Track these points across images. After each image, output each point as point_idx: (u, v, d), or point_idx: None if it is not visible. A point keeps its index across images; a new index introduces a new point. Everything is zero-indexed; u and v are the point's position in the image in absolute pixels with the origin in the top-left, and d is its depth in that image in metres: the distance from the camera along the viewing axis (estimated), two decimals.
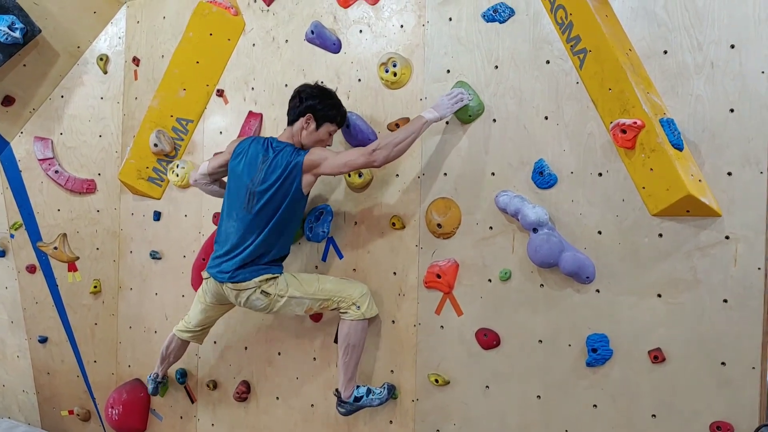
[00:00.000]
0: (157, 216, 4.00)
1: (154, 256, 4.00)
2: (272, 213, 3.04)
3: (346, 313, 3.16)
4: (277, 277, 3.11)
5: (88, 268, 4.24)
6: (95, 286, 4.21)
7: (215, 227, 3.73)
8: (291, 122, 3.15)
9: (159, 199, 3.99)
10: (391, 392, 3.22)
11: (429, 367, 3.17)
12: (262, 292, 3.07)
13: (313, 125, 3.09)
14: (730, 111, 2.56)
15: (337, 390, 3.20)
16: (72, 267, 4.26)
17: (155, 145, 3.83)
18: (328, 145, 3.17)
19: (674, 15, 2.65)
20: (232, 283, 3.07)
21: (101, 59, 4.18)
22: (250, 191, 3.06)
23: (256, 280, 3.05)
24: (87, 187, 4.22)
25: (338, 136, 3.34)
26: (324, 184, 3.41)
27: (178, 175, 3.83)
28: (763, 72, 2.52)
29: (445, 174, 3.13)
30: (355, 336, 3.14)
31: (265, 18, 3.62)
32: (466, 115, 3.05)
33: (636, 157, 2.64)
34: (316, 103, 3.08)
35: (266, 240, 3.05)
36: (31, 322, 4.39)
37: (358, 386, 3.18)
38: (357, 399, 3.16)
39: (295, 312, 3.16)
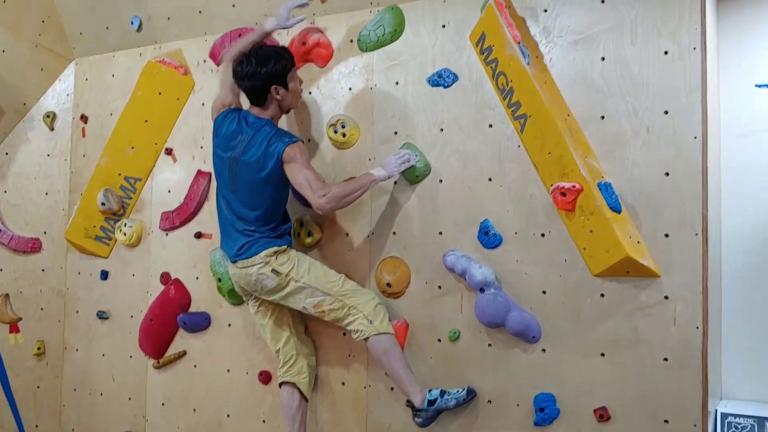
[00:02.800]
0: (105, 275, 3.93)
1: (101, 316, 3.92)
2: (258, 187, 2.96)
3: (357, 332, 2.94)
4: (287, 251, 2.99)
5: (32, 329, 4.12)
6: (39, 348, 4.09)
7: (163, 287, 3.68)
8: (259, 103, 3.04)
9: (106, 258, 3.92)
10: (471, 394, 2.90)
11: (380, 430, 3.14)
12: (273, 270, 2.93)
13: (282, 90, 3.01)
14: (665, 175, 2.66)
15: (408, 401, 2.95)
16: (14, 328, 4.13)
17: (103, 203, 3.79)
18: (301, 83, 3.15)
19: (611, 82, 2.76)
20: (241, 260, 2.97)
21: (48, 116, 4.14)
22: (231, 169, 3.00)
23: (262, 254, 2.93)
24: (32, 246, 4.12)
25: None
26: None
27: (125, 234, 3.79)
28: (695, 137, 2.62)
29: (395, 233, 3.16)
30: (380, 346, 2.91)
31: (215, 77, 3.63)
32: (413, 176, 3.10)
33: (576, 219, 2.71)
34: (269, 70, 2.96)
35: (263, 213, 2.97)
36: None
37: (430, 390, 2.92)
38: (431, 402, 2.87)
39: (303, 304, 2.97)
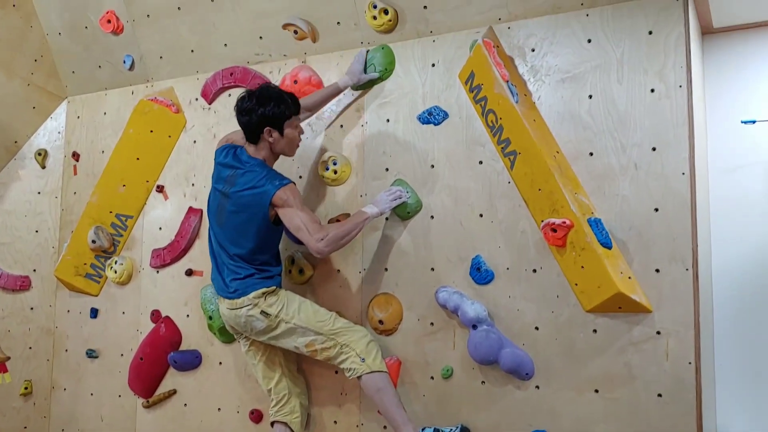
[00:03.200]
0: (94, 313, 3.90)
1: (91, 354, 3.88)
2: (243, 226, 2.92)
3: (350, 370, 2.90)
4: (276, 292, 2.94)
5: (20, 368, 4.06)
6: (26, 388, 4.03)
7: (153, 325, 3.65)
8: (253, 141, 3.00)
9: (96, 295, 3.89)
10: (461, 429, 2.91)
11: None
12: (262, 312, 2.89)
13: (276, 133, 2.95)
14: (654, 210, 2.68)
15: None
16: (2, 368, 4.08)
17: (93, 241, 3.77)
18: (301, 133, 3.07)
19: (598, 119, 2.79)
20: (228, 300, 2.94)
21: (39, 154, 4.14)
22: (220, 204, 2.99)
23: (251, 296, 2.89)
24: (21, 284, 4.09)
25: None
26: None
27: (116, 272, 3.77)
28: (683, 173, 2.65)
29: (387, 269, 3.16)
30: (372, 384, 2.87)
31: (207, 115, 3.66)
32: (404, 212, 3.11)
33: (567, 255, 2.72)
34: (266, 111, 2.91)
35: (248, 251, 2.93)
36: None
37: (423, 428, 2.90)
38: None
39: (295, 344, 2.93)
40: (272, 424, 3.12)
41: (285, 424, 3.08)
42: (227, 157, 3.06)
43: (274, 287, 2.96)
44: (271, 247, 3.04)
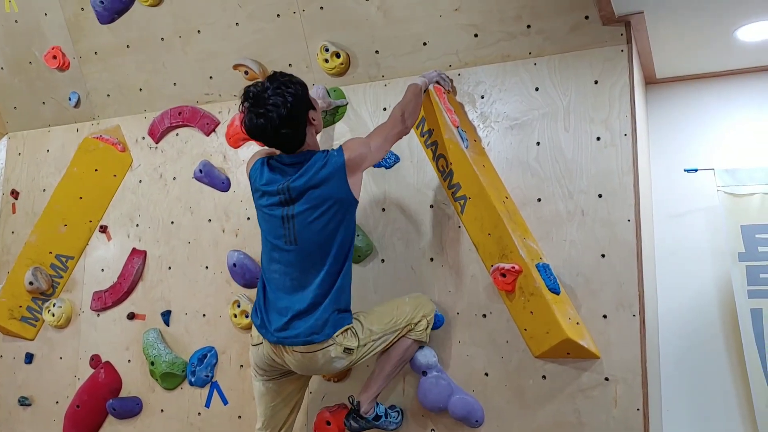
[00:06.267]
0: (29, 358, 3.73)
1: (23, 402, 3.70)
2: (324, 235, 2.49)
3: (412, 330, 2.72)
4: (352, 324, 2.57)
5: None
6: None
7: (92, 370, 3.50)
8: (300, 143, 2.54)
9: (32, 340, 3.73)
10: (401, 415, 2.88)
11: None
12: (345, 350, 2.50)
13: (313, 112, 2.57)
14: (601, 256, 2.70)
15: (353, 398, 2.73)
16: None
17: (31, 282, 3.63)
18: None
19: (546, 166, 2.83)
20: (304, 345, 2.45)
21: None
22: (286, 218, 2.52)
23: (336, 336, 2.47)
24: None
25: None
26: (210, 325, 3.30)
27: (54, 315, 3.62)
28: (629, 220, 2.69)
29: None
30: (409, 353, 2.75)
31: (153, 155, 3.59)
32: (355, 256, 3.06)
33: (517, 300, 2.71)
34: (298, 103, 2.49)
35: (329, 272, 2.49)
36: None
37: (378, 404, 2.78)
38: (377, 418, 2.74)
39: (376, 353, 2.66)
40: None
41: None
42: (265, 169, 2.60)
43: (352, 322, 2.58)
44: (350, 257, 2.62)
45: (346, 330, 2.52)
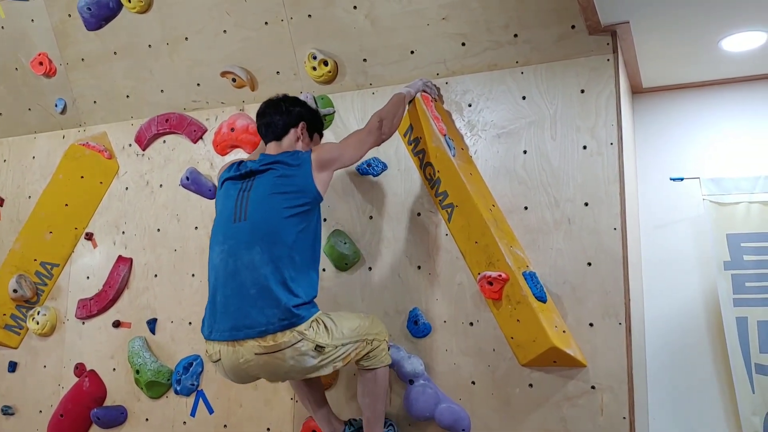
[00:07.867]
0: (13, 367, 3.69)
1: (6, 411, 3.65)
2: (278, 217, 2.41)
3: (372, 359, 2.58)
4: (319, 317, 2.40)
5: None
6: None
7: (77, 379, 3.47)
8: (278, 136, 2.67)
9: (16, 348, 3.70)
10: (395, 429, 2.83)
11: None
12: (317, 347, 2.33)
13: (308, 136, 2.72)
14: (588, 264, 2.71)
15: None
16: None
17: (15, 290, 3.59)
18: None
19: (532, 174, 2.83)
20: (261, 337, 2.25)
21: None
22: (241, 192, 2.51)
23: (301, 327, 2.29)
24: None
25: None
26: (195, 333, 3.28)
27: (38, 323, 3.59)
28: (615, 228, 2.70)
29: None
30: (385, 380, 2.65)
31: (140, 162, 3.57)
32: (342, 264, 3.07)
33: (503, 309, 2.71)
34: (305, 112, 2.73)
35: (288, 257, 2.36)
36: None
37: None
38: None
39: (336, 366, 2.47)
40: None
41: None
42: (237, 169, 2.63)
43: (318, 312, 2.43)
44: (315, 250, 2.53)
45: (312, 323, 2.35)
